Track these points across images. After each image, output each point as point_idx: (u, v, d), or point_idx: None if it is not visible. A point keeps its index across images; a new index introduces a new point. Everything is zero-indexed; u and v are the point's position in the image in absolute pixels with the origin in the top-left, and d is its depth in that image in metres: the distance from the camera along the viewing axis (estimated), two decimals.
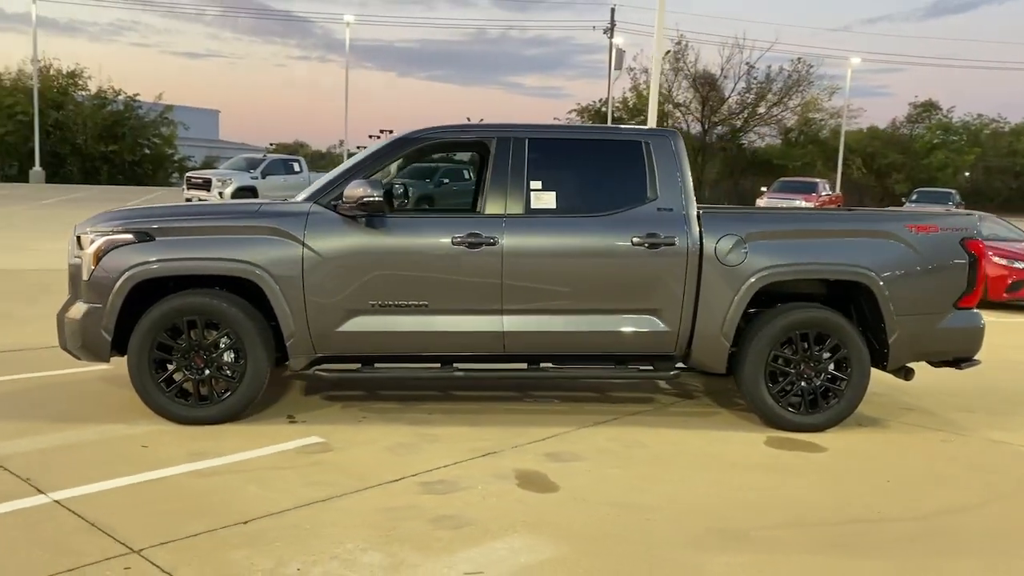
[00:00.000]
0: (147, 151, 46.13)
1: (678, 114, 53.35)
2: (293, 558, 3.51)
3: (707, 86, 52.77)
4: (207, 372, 5.32)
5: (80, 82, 45.03)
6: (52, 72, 44.04)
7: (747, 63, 50.36)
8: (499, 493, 4.35)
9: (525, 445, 5.15)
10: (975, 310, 5.80)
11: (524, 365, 5.71)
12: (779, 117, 52.94)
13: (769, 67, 52.77)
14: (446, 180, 22.58)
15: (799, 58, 52.20)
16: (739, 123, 52.64)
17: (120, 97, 45.73)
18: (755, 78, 50.78)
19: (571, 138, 5.78)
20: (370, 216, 5.36)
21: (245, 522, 3.86)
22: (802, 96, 51.50)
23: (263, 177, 27.53)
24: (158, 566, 3.39)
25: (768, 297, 5.82)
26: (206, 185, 26.56)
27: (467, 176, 21.69)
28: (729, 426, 5.71)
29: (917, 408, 6.42)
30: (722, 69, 51.57)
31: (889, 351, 5.66)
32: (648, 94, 51.04)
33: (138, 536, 3.65)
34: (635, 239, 5.43)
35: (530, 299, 5.46)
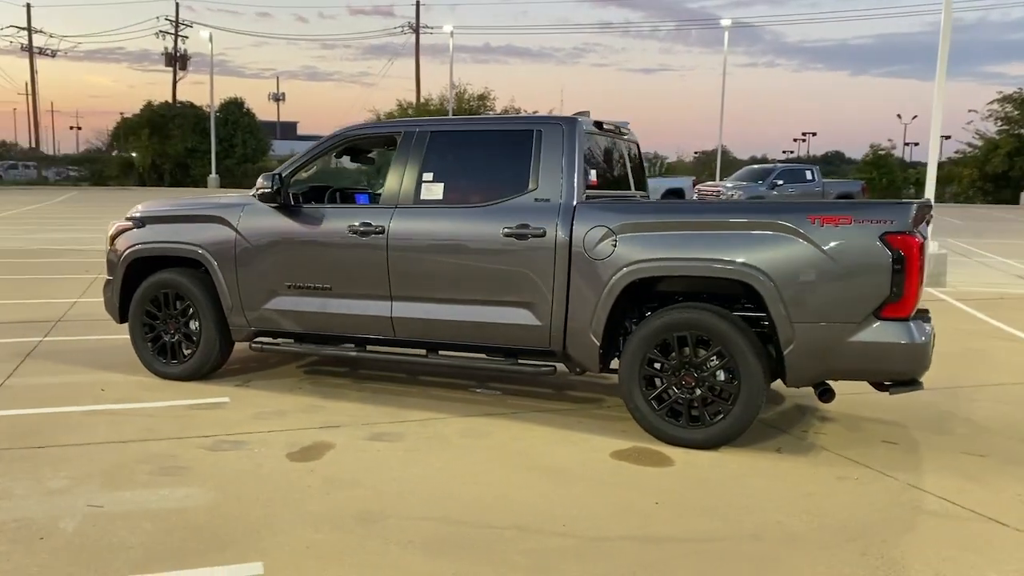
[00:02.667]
0: None
1: None
2: (11, 474, 4.37)
3: None
4: (176, 337, 6.40)
5: (488, 103, 50.69)
6: (467, 96, 50.26)
7: None
8: (258, 457, 4.74)
9: (375, 423, 5.39)
10: (910, 322, 4.65)
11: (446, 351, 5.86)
12: None
13: None
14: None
15: None
16: None
17: (520, 113, 50.55)
18: None
19: (469, 130, 5.80)
20: (290, 206, 6.00)
21: (41, 447, 4.82)
22: None
23: (772, 188, 26.34)
24: None
25: (682, 296, 5.31)
26: None
27: None
28: (616, 434, 5.25)
29: (903, 443, 5.26)
30: None
31: (786, 364, 4.81)
32: None
33: None
34: (506, 230, 5.34)
35: (414, 287, 5.65)
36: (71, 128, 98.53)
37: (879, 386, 4.98)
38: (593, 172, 5.60)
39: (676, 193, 28.87)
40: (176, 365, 6.40)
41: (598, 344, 5.19)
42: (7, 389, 6.10)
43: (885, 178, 44.52)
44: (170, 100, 56.70)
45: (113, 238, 6.66)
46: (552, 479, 4.50)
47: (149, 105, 53.36)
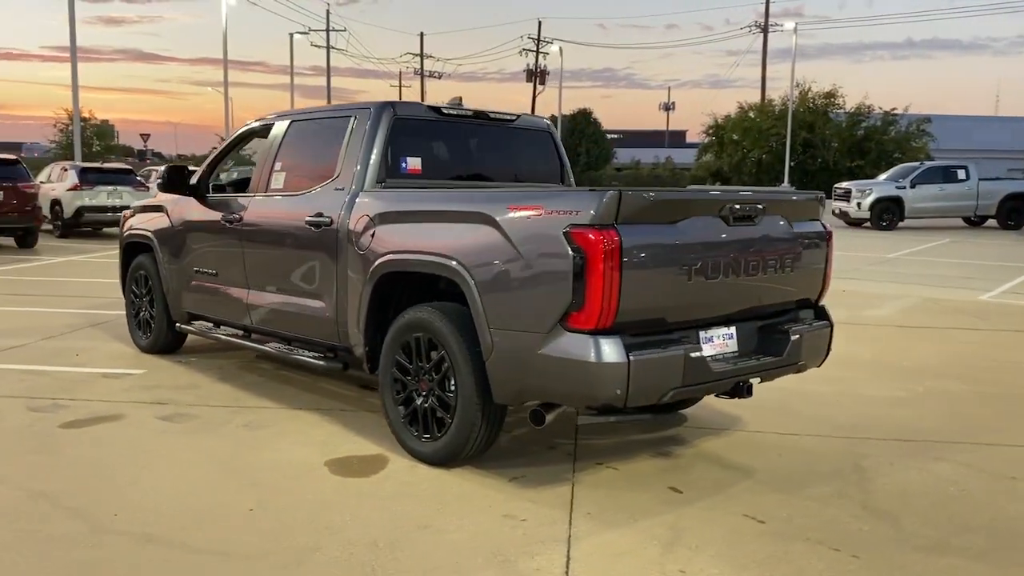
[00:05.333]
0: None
1: None
2: None
3: None
4: (145, 314, 7.16)
5: (838, 101, 46.92)
6: (810, 94, 46.96)
7: None
8: (47, 419, 5.21)
9: (201, 406, 5.57)
10: (600, 336, 3.72)
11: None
12: None
13: None
14: None
15: None
16: None
17: (875, 112, 46.05)
18: None
19: (313, 119, 5.68)
20: (201, 196, 6.40)
21: None
22: None
23: (912, 187, 25.25)
24: None
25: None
26: (846, 196, 25.85)
27: None
28: (384, 441, 4.84)
29: (692, 493, 4.21)
30: None
31: (488, 376, 4.14)
32: None
33: None
34: (307, 219, 5.23)
35: (259, 275, 5.75)
36: None
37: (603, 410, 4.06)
38: (413, 160, 5.25)
39: (1018, 198, 25.27)
40: (144, 339, 7.15)
41: (362, 342, 4.87)
42: (27, 348, 7.29)
43: None
44: (532, 114, 60.66)
45: (122, 224, 7.62)
46: (227, 477, 4.32)
47: None
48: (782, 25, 50.70)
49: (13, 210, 15.75)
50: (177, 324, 6.75)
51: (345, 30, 69.69)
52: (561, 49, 53.16)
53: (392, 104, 5.18)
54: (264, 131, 6.13)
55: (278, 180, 5.69)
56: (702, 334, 4.21)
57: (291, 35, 48.73)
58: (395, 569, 3.31)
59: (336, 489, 4.19)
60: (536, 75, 61.69)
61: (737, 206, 4.15)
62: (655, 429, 5.29)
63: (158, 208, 6.87)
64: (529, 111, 56.17)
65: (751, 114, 49.15)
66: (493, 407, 4.24)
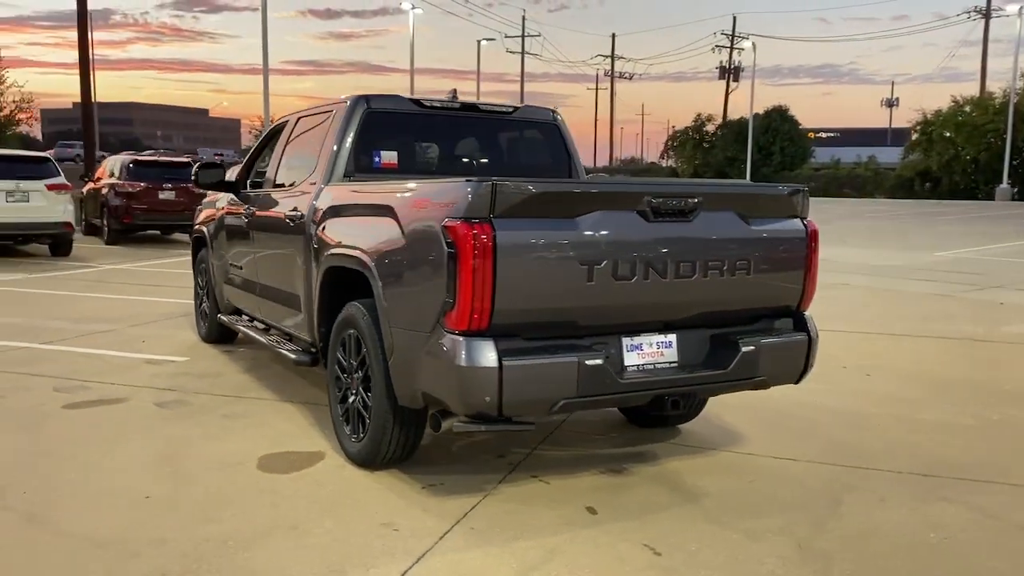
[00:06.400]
0: None
1: None
2: None
3: None
4: (204, 305, 7.53)
5: None
6: None
7: None
8: (57, 399, 5.56)
9: (206, 394, 5.75)
10: (473, 339, 3.45)
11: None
12: None
13: None
14: None
15: None
16: None
17: None
18: None
19: (308, 115, 5.66)
20: (237, 191, 6.61)
21: None
22: None
23: None
24: None
25: None
26: None
27: None
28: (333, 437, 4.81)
29: (621, 512, 3.84)
30: None
31: (391, 376, 3.97)
32: None
33: None
34: (286, 214, 5.28)
35: (261, 270, 5.87)
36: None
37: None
38: (388, 154, 5.15)
39: None
40: (204, 329, 7.53)
41: (316, 338, 4.84)
42: (108, 333, 7.88)
43: None
44: (723, 112, 59.02)
45: (194, 219, 8.06)
46: (157, 464, 4.39)
47: (698, 117, 56.40)
48: (1004, 10, 45.84)
49: (184, 208, 17.15)
50: (219, 315, 7.02)
51: (540, 35, 70.77)
52: (754, 44, 51.13)
53: (367, 98, 5.10)
54: (281, 128, 6.24)
55: (280, 176, 5.79)
56: (628, 341, 3.82)
57: (479, 41, 50.08)
58: (217, 569, 3.23)
59: (246, 482, 4.16)
60: (729, 72, 59.65)
61: (658, 200, 3.70)
62: (633, 443, 4.88)
63: (212, 204, 7.19)
64: (722, 109, 54.22)
65: (966, 108, 44.84)
66: (404, 409, 4.05)
